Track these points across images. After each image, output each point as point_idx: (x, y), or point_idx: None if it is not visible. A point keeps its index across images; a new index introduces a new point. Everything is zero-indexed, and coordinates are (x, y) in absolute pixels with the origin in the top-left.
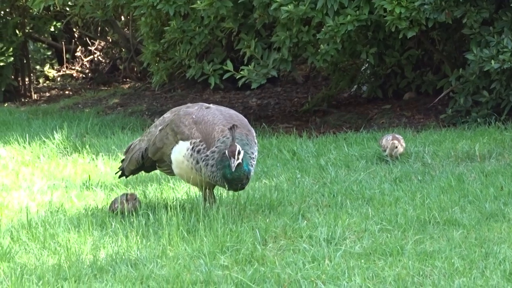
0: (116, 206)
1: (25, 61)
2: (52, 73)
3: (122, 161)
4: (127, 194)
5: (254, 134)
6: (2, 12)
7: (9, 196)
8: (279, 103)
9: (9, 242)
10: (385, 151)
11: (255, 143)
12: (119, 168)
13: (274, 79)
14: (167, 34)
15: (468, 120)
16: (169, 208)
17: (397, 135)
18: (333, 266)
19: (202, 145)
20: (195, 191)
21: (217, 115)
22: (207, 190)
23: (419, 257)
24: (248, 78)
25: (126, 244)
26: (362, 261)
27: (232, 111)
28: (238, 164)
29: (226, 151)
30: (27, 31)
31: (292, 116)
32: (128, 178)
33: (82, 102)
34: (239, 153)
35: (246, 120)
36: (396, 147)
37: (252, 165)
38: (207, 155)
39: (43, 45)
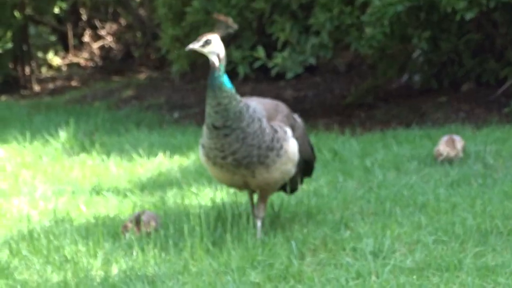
0: (126, 230)
1: (25, 48)
2: (56, 61)
3: None
4: (138, 215)
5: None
6: None
7: (7, 203)
8: (318, 95)
9: (8, 256)
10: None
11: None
12: None
13: (312, 67)
14: (189, 16)
15: None
16: (191, 217)
17: (454, 136)
18: (381, 283)
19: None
20: (222, 196)
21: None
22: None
23: (480, 273)
24: (283, 66)
25: (142, 258)
26: (414, 277)
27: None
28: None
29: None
30: (27, 12)
31: (333, 110)
32: (144, 182)
33: (91, 95)
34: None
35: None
36: (442, 154)
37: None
38: None
39: (46, 29)
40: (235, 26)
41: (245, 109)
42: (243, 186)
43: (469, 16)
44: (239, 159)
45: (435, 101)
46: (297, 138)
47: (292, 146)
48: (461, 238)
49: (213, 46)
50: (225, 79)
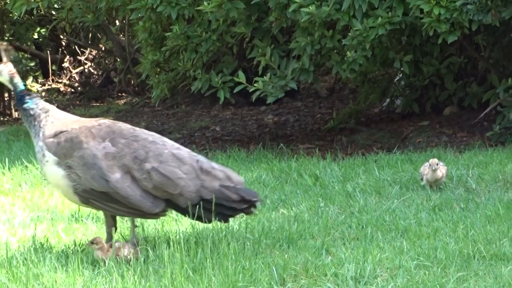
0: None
1: None
2: (35, 87)
3: None
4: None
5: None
6: None
7: None
8: (299, 120)
9: None
10: (422, 179)
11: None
12: None
13: (293, 92)
14: (169, 40)
15: None
16: (171, 243)
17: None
18: None
19: None
20: (201, 223)
21: None
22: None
23: None
24: (263, 91)
25: (122, 285)
26: None
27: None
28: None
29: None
30: (6, 38)
31: (314, 135)
32: None
33: None
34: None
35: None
36: (437, 163)
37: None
38: None
39: (25, 55)
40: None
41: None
42: None
43: (451, 39)
44: None
45: (417, 125)
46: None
47: (50, 171)
48: (443, 263)
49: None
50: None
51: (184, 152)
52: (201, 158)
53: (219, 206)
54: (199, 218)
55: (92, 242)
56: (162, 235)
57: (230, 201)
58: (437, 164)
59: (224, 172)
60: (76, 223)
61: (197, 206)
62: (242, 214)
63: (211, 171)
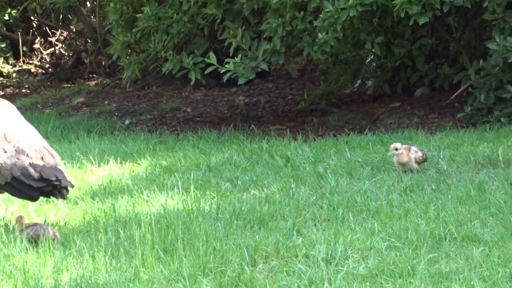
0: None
1: None
2: (6, 68)
3: None
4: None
5: None
6: None
7: None
8: (270, 101)
9: None
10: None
11: None
12: None
13: (264, 73)
14: (140, 22)
15: (490, 119)
16: (142, 224)
17: (413, 147)
18: None
19: None
20: (173, 203)
21: None
22: None
23: (433, 279)
24: (235, 72)
25: (93, 266)
26: (367, 283)
27: None
28: None
29: None
30: None
31: (285, 117)
32: (95, 189)
33: (42, 102)
34: None
35: None
36: (396, 149)
37: None
38: None
39: None
40: None
41: None
42: None
43: (422, 20)
44: None
45: (388, 106)
46: None
47: None
48: (414, 244)
49: None
50: None
51: (19, 131)
52: (31, 137)
53: (20, 184)
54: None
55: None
56: (133, 216)
57: (30, 179)
58: (396, 150)
59: (41, 153)
60: (47, 204)
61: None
62: (50, 195)
63: (26, 150)
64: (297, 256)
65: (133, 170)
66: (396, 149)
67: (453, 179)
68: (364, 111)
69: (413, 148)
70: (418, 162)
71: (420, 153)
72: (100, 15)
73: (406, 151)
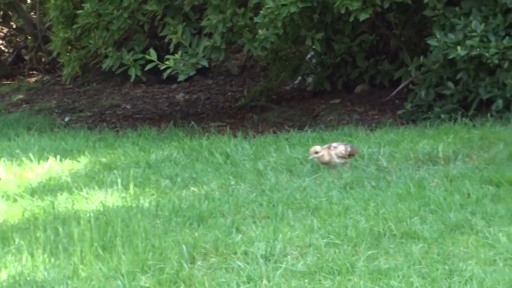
0: None
1: None
2: None
3: None
4: None
5: None
6: None
7: None
8: (210, 98)
9: None
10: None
11: None
12: None
13: (204, 70)
14: (80, 18)
15: (430, 116)
16: (81, 221)
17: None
18: (272, 287)
19: None
20: (112, 200)
21: None
22: None
23: (372, 276)
24: (175, 69)
25: (32, 263)
26: (306, 280)
27: None
28: None
29: None
30: None
31: (225, 113)
32: (34, 186)
33: None
34: None
35: None
36: (317, 152)
37: None
38: None
39: None
40: None
41: None
42: None
43: (363, 17)
44: None
45: (328, 103)
46: None
47: None
48: (353, 241)
49: None
50: None
51: None
52: None
53: None
54: None
55: None
56: (72, 213)
57: None
58: (316, 153)
59: None
60: None
61: None
62: None
63: None
64: (236, 253)
65: (72, 168)
66: (316, 152)
67: (393, 176)
68: (304, 108)
69: (333, 145)
70: (342, 157)
71: (341, 147)
72: (41, 12)
73: (325, 151)
